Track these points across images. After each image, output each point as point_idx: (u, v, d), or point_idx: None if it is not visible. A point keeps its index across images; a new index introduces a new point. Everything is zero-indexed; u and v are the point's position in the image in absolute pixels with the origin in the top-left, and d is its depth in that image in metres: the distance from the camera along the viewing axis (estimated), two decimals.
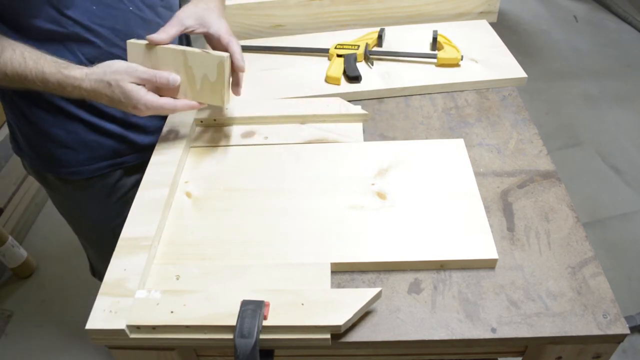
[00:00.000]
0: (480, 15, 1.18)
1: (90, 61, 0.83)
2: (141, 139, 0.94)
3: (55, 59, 0.75)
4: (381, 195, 0.74)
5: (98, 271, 1.23)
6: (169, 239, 0.71)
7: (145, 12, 0.86)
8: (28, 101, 0.86)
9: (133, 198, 0.99)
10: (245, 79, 1.02)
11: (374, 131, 0.89)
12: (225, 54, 0.74)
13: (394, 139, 0.87)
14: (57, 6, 0.77)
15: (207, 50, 0.76)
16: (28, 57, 0.74)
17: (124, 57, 0.83)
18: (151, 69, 0.75)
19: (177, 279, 0.65)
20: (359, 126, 0.88)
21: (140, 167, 0.95)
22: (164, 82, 0.75)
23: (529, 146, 0.83)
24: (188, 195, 0.77)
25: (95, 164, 0.93)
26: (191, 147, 0.86)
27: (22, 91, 0.82)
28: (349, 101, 0.90)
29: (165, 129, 0.87)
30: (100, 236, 1.07)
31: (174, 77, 0.76)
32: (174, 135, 0.85)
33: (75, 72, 0.74)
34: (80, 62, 0.82)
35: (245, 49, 1.10)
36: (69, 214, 1.06)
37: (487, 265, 0.66)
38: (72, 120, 0.88)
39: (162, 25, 0.88)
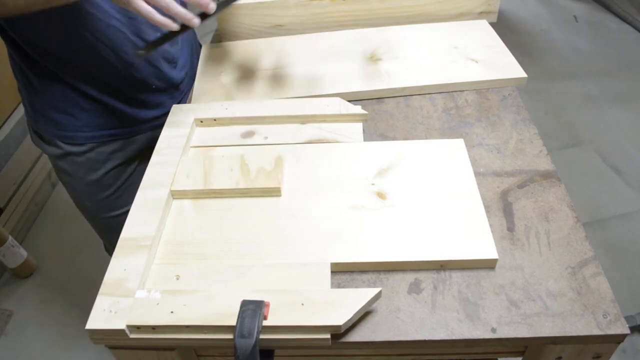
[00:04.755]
0: (480, 15, 1.18)
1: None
2: (138, 113, 0.97)
3: None
4: (381, 195, 0.74)
5: (107, 248, 1.25)
6: (169, 239, 0.71)
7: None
8: (34, 70, 0.90)
9: (127, 170, 1.04)
10: (246, 79, 1.03)
11: (374, 131, 0.89)
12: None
13: (394, 139, 0.87)
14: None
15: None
16: None
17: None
18: (205, 173, 0.77)
19: (177, 279, 0.65)
20: (358, 126, 0.88)
21: (137, 140, 1.02)
22: None
23: (529, 146, 0.83)
24: None
25: (91, 132, 0.96)
26: (191, 147, 0.86)
27: (29, 61, 0.87)
28: (349, 101, 0.91)
29: (165, 128, 0.87)
30: (94, 208, 1.10)
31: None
32: (174, 135, 0.85)
33: None
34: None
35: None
36: (68, 183, 1.09)
37: (487, 265, 0.66)
38: (72, 89, 0.91)
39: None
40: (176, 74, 1.01)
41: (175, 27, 0.71)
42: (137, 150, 1.03)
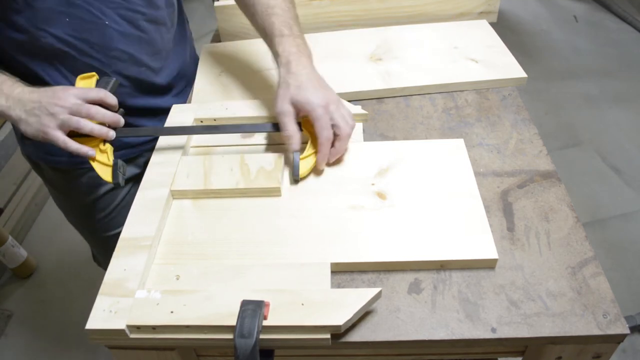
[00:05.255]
0: (480, 15, 1.18)
1: (71, 71, 0.84)
2: (123, 138, 0.94)
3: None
4: (381, 195, 0.74)
5: (97, 258, 1.25)
6: (169, 239, 0.71)
7: (124, 26, 0.85)
8: None
9: (120, 193, 1.02)
10: (246, 79, 1.03)
11: (374, 131, 0.89)
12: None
13: (394, 139, 0.87)
14: (30, 19, 0.77)
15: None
16: None
17: (101, 69, 0.83)
18: (205, 173, 0.77)
19: (177, 279, 0.65)
20: (358, 126, 0.88)
21: (129, 165, 0.99)
22: (98, 96, 0.75)
23: (529, 146, 0.83)
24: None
25: (78, 158, 0.94)
26: (191, 147, 0.86)
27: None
28: (349, 101, 0.90)
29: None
30: (87, 227, 1.10)
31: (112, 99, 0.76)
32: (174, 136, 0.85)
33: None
34: (59, 74, 0.83)
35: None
36: (60, 203, 1.08)
37: (487, 265, 0.66)
38: None
39: (145, 40, 0.88)
40: (158, 100, 0.98)
41: (91, 154, 0.75)
42: (129, 174, 1.00)
